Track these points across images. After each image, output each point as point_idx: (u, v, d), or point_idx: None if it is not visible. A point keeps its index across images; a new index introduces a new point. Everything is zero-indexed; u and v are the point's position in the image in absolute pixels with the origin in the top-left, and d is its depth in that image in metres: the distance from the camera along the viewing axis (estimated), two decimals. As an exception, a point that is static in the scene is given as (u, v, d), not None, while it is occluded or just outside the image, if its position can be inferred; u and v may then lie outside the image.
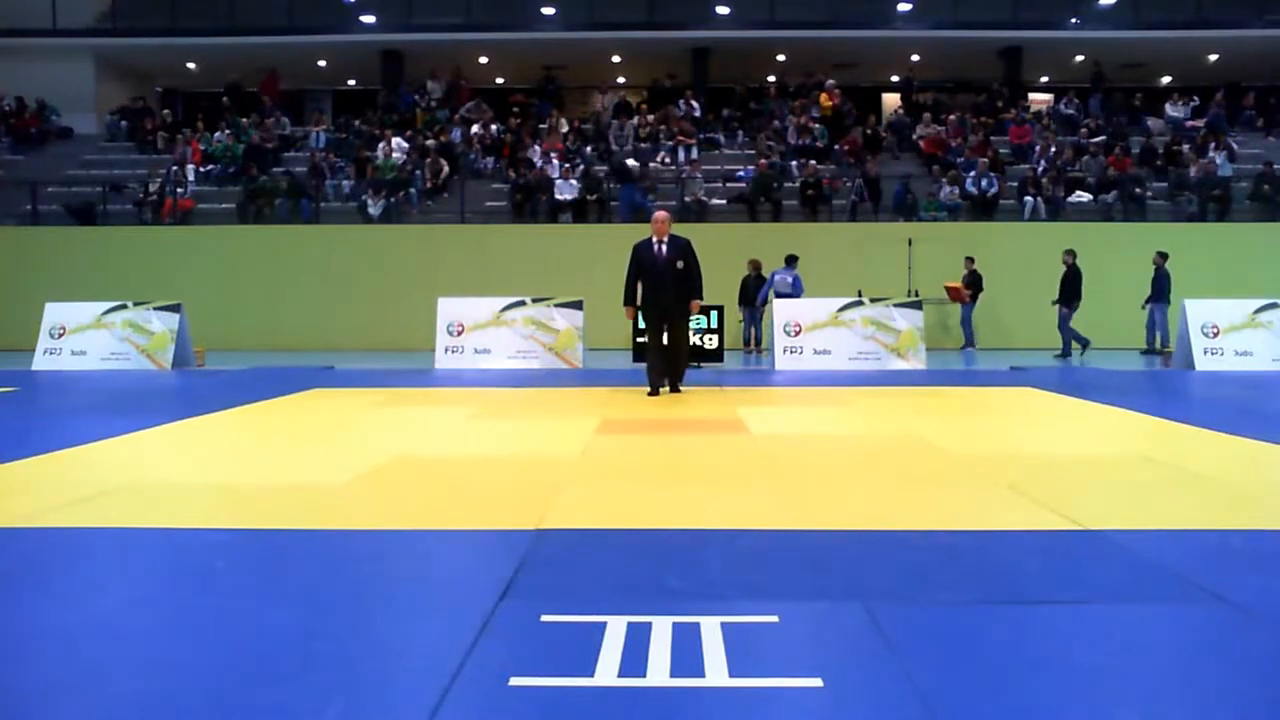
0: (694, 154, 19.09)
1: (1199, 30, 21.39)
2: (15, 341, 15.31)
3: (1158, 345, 14.78)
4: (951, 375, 10.88)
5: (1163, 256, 14.66)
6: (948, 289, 15.57)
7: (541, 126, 20.02)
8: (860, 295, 12.95)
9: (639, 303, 8.70)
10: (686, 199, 17.69)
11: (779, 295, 13.85)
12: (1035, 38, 21.78)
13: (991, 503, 4.13)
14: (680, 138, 19.26)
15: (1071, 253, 14.51)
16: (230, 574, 3.10)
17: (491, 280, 15.63)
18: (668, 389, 8.76)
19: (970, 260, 15.34)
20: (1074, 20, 21.86)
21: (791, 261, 14.80)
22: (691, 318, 9.09)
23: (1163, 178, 18.36)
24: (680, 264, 8.52)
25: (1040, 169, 18.24)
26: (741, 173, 18.61)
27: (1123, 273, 16.08)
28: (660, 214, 8.80)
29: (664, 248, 8.57)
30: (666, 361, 8.77)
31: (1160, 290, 14.62)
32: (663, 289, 8.53)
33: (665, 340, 8.72)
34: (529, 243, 17.17)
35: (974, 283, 15.33)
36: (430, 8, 21.94)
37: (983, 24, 21.51)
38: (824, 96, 20.55)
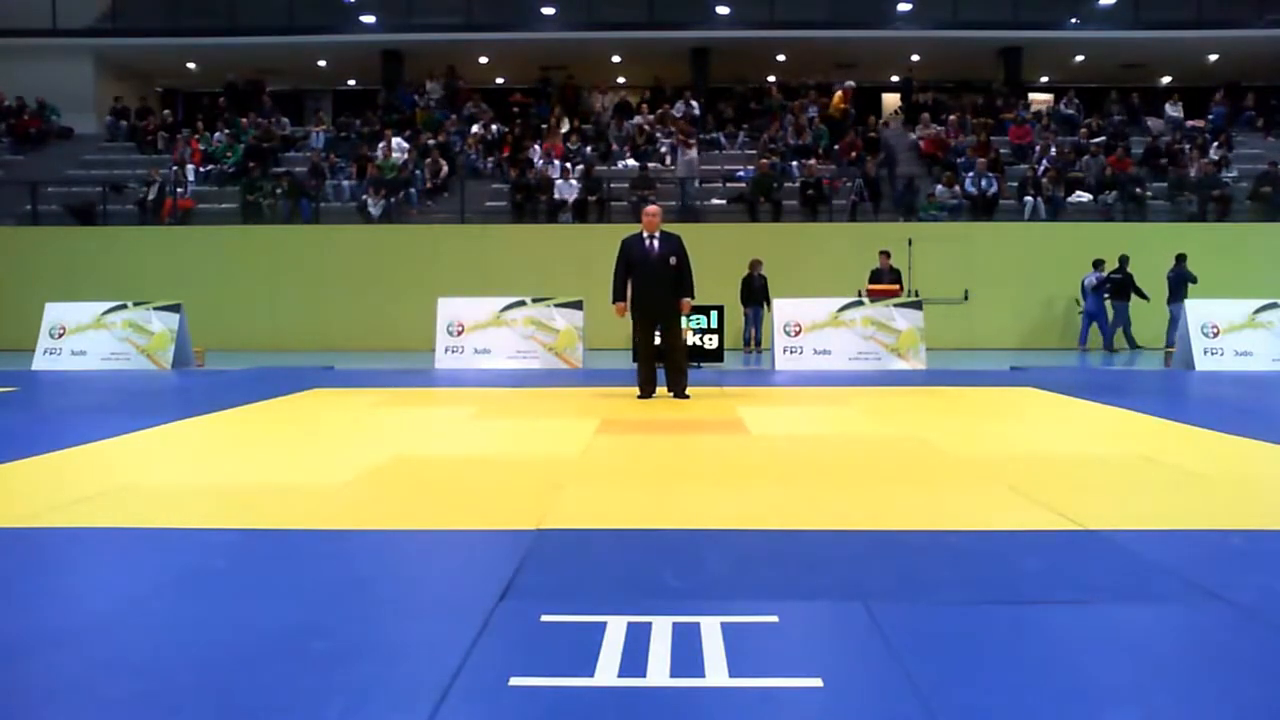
0: (693, 154, 19.10)
1: (1199, 30, 21.40)
2: (15, 341, 15.31)
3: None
4: (951, 375, 10.88)
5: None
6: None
7: (543, 126, 20.02)
8: (860, 295, 12.95)
9: (628, 300, 8.28)
10: (690, 201, 17.69)
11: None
12: (1035, 38, 21.79)
13: (991, 503, 4.13)
14: (680, 138, 19.25)
15: (1182, 256, 14.98)
16: (230, 574, 3.10)
17: (491, 280, 15.63)
18: (670, 394, 8.33)
19: (1123, 259, 15.53)
20: (1074, 20, 21.86)
21: (1098, 265, 15.55)
22: (683, 317, 8.58)
23: (1162, 178, 18.36)
24: (673, 260, 8.15)
25: (1040, 169, 18.25)
26: (741, 173, 18.62)
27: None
28: (651, 208, 8.40)
29: (655, 243, 8.19)
30: (659, 365, 8.40)
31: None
32: (654, 286, 8.14)
33: (658, 343, 8.36)
34: (529, 243, 17.18)
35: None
36: (430, 8, 21.95)
37: (983, 24, 21.53)
38: (837, 96, 20.55)
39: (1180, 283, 14.68)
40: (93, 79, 22.38)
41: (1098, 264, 15.65)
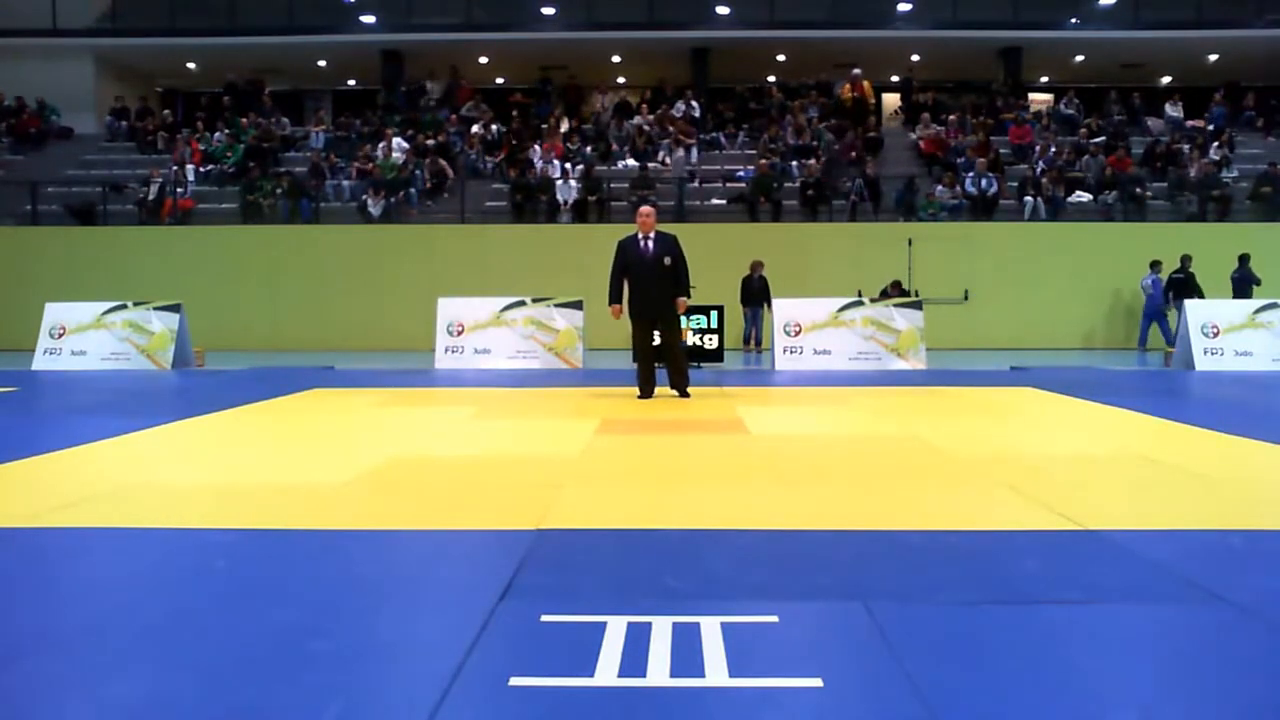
0: (694, 155, 19.10)
1: (1199, 30, 21.39)
2: (15, 341, 15.31)
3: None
4: (951, 375, 10.88)
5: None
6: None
7: (542, 126, 20.02)
8: (860, 295, 12.95)
9: (624, 302, 8.32)
10: (688, 202, 17.69)
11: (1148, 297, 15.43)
12: (1035, 38, 21.79)
13: (991, 503, 4.12)
14: (680, 138, 19.24)
15: (1245, 256, 15.05)
16: (230, 574, 3.10)
17: (491, 280, 15.63)
18: (674, 392, 8.39)
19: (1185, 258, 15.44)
20: (1074, 20, 21.86)
21: (1155, 266, 15.43)
22: (680, 317, 8.61)
23: (1162, 178, 18.35)
24: (668, 260, 8.17)
25: (1040, 169, 18.24)
26: (741, 173, 18.61)
27: (1123, 273, 16.09)
28: (645, 209, 8.37)
29: (650, 244, 8.21)
30: (661, 364, 8.45)
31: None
32: (650, 286, 8.17)
33: (657, 342, 8.38)
34: (529, 243, 17.17)
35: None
36: (430, 8, 21.94)
37: (983, 24, 21.52)
38: (846, 87, 20.53)
39: (1245, 284, 14.64)
40: (93, 79, 22.37)
41: (1155, 265, 15.49)
